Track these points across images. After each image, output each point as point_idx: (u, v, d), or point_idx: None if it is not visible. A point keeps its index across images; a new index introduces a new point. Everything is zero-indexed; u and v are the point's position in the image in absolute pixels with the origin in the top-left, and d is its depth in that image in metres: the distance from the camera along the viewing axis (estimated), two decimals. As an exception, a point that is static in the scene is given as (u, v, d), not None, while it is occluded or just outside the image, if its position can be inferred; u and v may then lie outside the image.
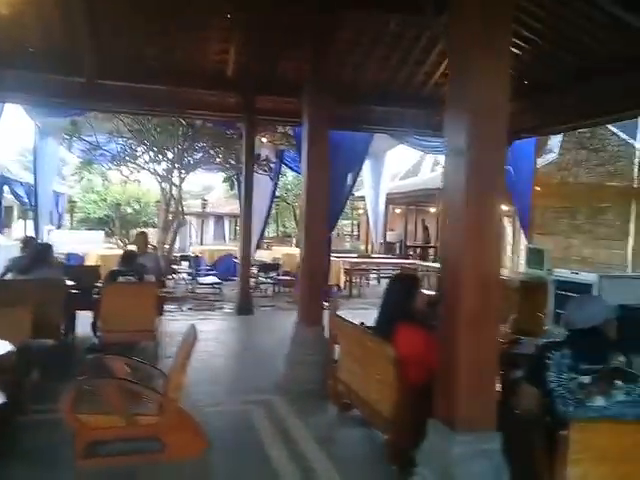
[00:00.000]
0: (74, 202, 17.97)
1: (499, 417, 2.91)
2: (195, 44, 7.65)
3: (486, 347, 2.81)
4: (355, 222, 22.73)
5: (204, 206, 17.96)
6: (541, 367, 2.88)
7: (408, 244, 20.96)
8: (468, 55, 2.84)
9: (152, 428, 3.72)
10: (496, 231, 2.85)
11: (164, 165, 11.83)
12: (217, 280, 11.79)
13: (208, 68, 8.13)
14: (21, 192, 14.53)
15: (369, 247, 18.56)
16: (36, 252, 6.13)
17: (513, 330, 5.59)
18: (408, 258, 18.80)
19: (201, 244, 17.47)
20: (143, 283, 6.28)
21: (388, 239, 21.75)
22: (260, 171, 11.35)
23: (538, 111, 8.95)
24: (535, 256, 7.32)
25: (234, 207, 17.07)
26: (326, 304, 9.15)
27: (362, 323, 4.49)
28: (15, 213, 17.86)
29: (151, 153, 11.58)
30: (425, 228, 21.17)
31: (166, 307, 10.13)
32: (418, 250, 20.35)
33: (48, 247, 6.31)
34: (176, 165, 11.55)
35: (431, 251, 19.53)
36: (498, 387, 3.19)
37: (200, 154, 11.61)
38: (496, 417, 2.85)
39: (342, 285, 12.58)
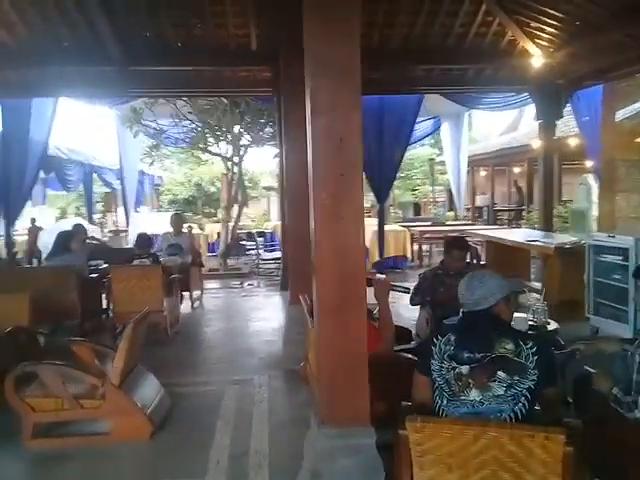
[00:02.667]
0: (159, 185, 18.82)
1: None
2: (212, 20, 7.58)
3: (351, 339, 2.53)
4: (439, 189, 21.55)
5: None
6: (428, 355, 2.54)
7: (497, 208, 19.68)
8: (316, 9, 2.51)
9: (94, 412, 3.81)
10: (355, 207, 2.51)
11: (225, 145, 12.05)
12: (278, 255, 11.88)
13: (231, 44, 8.04)
14: (111, 179, 15.52)
15: (453, 214, 17.66)
16: (58, 240, 6.47)
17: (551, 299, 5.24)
18: (495, 223, 17.79)
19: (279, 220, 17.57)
20: (148, 266, 6.42)
21: (478, 203, 20.62)
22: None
23: (596, 54, 7.92)
24: (578, 218, 6.53)
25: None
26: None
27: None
28: (114, 199, 18.97)
29: (217, 133, 11.84)
30: (518, 189, 19.75)
31: (230, 283, 10.44)
32: (511, 214, 19.03)
33: (70, 234, 6.61)
34: (239, 143, 11.70)
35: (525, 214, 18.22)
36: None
37: (253, 132, 11.64)
38: (369, 411, 2.58)
39: (410, 255, 12.17)
